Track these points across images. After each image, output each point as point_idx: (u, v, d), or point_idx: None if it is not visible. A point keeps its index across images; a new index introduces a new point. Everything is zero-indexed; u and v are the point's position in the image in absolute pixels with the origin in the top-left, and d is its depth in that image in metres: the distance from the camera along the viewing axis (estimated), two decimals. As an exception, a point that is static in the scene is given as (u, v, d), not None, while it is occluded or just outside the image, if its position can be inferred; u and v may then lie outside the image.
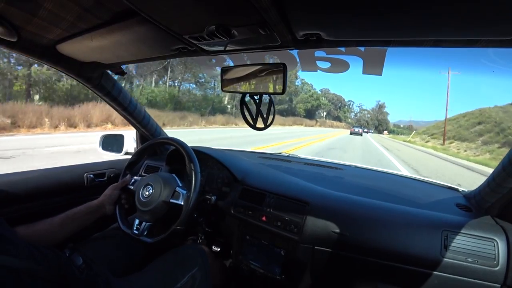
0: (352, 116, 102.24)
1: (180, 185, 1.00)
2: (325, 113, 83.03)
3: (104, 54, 0.93)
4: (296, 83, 53.73)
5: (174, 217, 0.94)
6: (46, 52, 0.88)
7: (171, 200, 0.96)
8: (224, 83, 0.83)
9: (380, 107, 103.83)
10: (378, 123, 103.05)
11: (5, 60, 13.71)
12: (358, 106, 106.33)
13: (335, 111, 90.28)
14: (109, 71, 1.14)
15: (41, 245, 0.61)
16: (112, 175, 1.39)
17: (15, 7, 0.61)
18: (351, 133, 36.49)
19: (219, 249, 1.24)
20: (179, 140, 1.07)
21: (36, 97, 14.21)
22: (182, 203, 0.95)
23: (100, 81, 1.12)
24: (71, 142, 7.59)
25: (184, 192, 0.96)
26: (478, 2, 0.41)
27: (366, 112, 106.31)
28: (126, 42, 0.79)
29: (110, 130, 12.09)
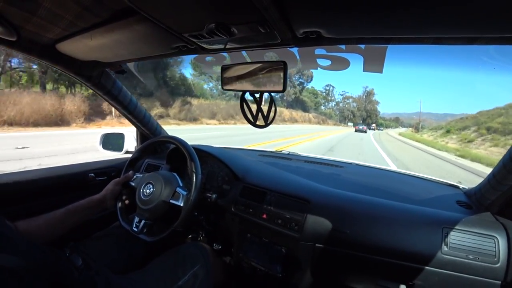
0: (333, 106, 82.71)
1: (181, 185, 1.00)
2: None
3: (104, 53, 0.93)
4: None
5: (174, 217, 0.94)
6: (46, 51, 0.88)
7: (171, 201, 0.96)
8: (225, 81, 0.83)
9: (369, 94, 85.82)
10: (366, 114, 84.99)
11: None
12: (341, 94, 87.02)
13: (291, 89, 54.05)
14: (108, 70, 1.14)
15: (42, 242, 0.61)
16: (113, 173, 1.39)
17: (14, 6, 0.61)
18: (356, 131, 39.34)
19: (220, 247, 1.24)
20: (180, 139, 1.07)
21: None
22: (181, 205, 0.95)
23: (100, 80, 1.12)
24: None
25: (184, 193, 0.97)
26: None
27: (351, 100, 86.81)
28: (125, 40, 0.79)
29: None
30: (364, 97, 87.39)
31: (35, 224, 0.78)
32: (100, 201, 0.98)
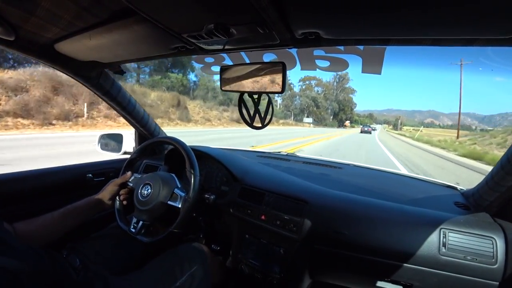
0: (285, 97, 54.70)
1: (179, 186, 1.00)
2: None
3: (103, 53, 0.93)
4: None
5: (172, 218, 0.94)
6: (44, 51, 0.87)
7: (169, 202, 0.95)
8: (224, 82, 0.83)
9: (342, 79, 62.63)
10: (338, 107, 61.38)
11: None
12: (302, 80, 61.95)
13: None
14: (107, 70, 1.14)
15: (40, 243, 0.61)
16: (111, 174, 1.39)
17: (12, 6, 0.61)
18: (361, 132, 37.47)
19: (218, 248, 1.24)
20: (178, 140, 1.06)
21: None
22: (179, 206, 0.94)
23: (98, 81, 1.12)
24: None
25: (183, 194, 0.96)
26: (476, 0, 0.41)
27: (314, 82, 59.98)
28: (124, 41, 0.79)
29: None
30: (335, 83, 62.96)
31: (33, 225, 0.78)
32: (98, 202, 0.97)
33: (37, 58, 0.90)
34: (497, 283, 0.74)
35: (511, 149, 0.73)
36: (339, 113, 61.25)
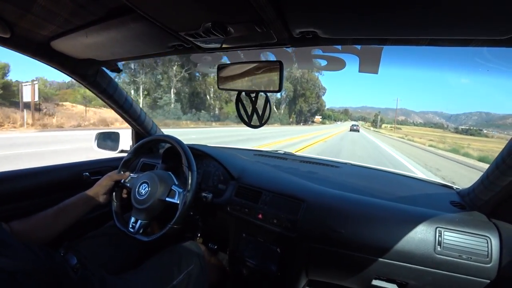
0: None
1: (176, 183, 0.99)
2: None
3: (99, 51, 0.92)
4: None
5: (170, 215, 0.93)
6: (40, 49, 0.87)
7: (167, 199, 0.95)
8: (221, 80, 0.83)
9: None
10: (294, 90, 37.32)
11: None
12: None
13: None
14: (104, 68, 1.13)
15: (35, 243, 0.60)
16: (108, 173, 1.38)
17: (8, 3, 0.60)
18: (350, 130, 34.88)
19: (215, 247, 1.24)
20: (176, 138, 1.06)
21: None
22: (177, 202, 0.94)
23: (95, 79, 1.11)
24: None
25: (180, 190, 0.96)
26: (473, 1, 0.41)
27: None
28: (121, 39, 0.78)
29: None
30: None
31: (28, 224, 0.77)
32: (92, 197, 0.95)
33: (33, 56, 0.89)
34: (491, 281, 0.75)
35: (505, 149, 0.74)
36: (298, 100, 37.67)
